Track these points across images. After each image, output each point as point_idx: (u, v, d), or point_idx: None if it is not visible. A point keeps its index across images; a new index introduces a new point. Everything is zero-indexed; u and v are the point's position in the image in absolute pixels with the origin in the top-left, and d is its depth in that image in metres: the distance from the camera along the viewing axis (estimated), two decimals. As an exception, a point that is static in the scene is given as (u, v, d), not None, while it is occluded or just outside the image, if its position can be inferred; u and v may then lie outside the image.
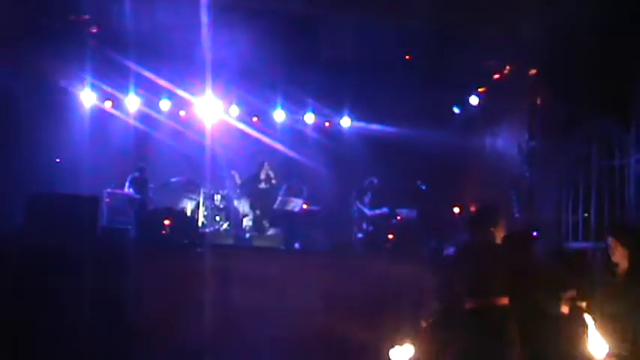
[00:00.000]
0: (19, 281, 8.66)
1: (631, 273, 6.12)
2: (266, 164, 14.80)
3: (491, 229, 6.25)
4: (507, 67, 14.64)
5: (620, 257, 6.20)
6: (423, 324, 6.38)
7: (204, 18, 12.74)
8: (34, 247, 8.98)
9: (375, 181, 14.65)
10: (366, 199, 14.54)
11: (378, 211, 14.46)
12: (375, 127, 16.19)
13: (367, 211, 14.41)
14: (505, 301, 5.95)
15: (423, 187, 14.51)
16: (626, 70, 12.18)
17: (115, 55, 13.98)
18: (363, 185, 14.66)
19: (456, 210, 14.84)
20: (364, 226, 14.38)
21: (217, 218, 14.36)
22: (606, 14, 11.24)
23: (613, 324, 5.95)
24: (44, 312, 8.65)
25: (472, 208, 14.46)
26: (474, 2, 12.43)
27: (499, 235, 6.29)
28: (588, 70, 12.27)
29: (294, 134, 16.32)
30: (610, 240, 6.32)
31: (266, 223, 14.33)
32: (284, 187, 14.60)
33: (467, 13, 12.62)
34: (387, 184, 14.76)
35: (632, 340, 5.88)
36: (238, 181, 14.63)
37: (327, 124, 16.65)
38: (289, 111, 16.16)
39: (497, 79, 14.84)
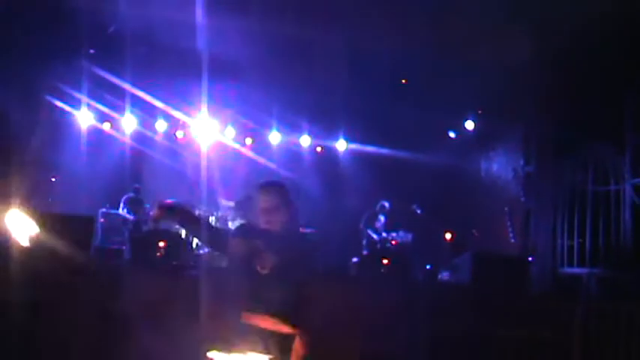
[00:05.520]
0: (10, 301, 8.59)
1: None
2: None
3: None
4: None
5: None
6: None
7: (200, 39, 12.78)
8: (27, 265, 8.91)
9: (387, 204, 14.60)
10: (378, 224, 14.49)
11: (394, 234, 14.42)
12: (370, 149, 16.20)
13: (376, 236, 14.36)
14: None
15: (418, 211, 14.48)
16: (620, 95, 12.24)
17: (111, 75, 14.01)
18: (373, 211, 14.62)
19: (448, 236, 14.79)
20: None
21: (212, 240, 14.29)
22: (600, 40, 11.31)
23: None
24: (35, 332, 8.59)
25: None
26: (467, 27, 12.49)
27: None
28: (583, 95, 12.32)
29: (289, 156, 16.34)
30: None
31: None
32: None
33: (461, 37, 12.68)
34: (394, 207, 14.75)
35: None
36: (228, 204, 14.62)
37: (318, 149, 16.65)
38: (285, 133, 16.19)
39: (491, 104, 14.85)
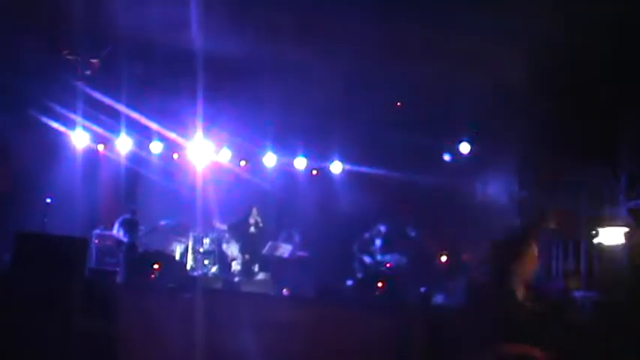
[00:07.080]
0: (4, 320, 8.54)
1: None
2: (254, 210, 14.79)
3: None
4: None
5: None
6: None
7: (196, 61, 12.80)
8: (21, 286, 8.87)
9: (383, 228, 14.60)
10: (374, 247, 14.49)
11: (388, 257, 14.42)
12: (365, 171, 16.18)
13: (371, 260, 14.36)
14: None
15: (413, 234, 14.46)
16: (615, 120, 12.28)
17: (106, 97, 14.02)
18: (369, 235, 14.63)
19: (443, 259, 14.76)
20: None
21: (206, 262, 14.27)
22: (596, 63, 11.35)
23: None
24: (29, 352, 8.53)
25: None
26: (462, 53, 12.53)
27: None
28: (579, 119, 12.35)
29: (285, 178, 16.33)
30: None
31: (255, 268, 14.24)
32: (283, 235, 14.71)
33: (456, 62, 12.71)
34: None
35: None
36: (222, 227, 14.65)
37: (314, 172, 16.66)
38: (280, 155, 16.19)
39: (486, 128, 14.87)
